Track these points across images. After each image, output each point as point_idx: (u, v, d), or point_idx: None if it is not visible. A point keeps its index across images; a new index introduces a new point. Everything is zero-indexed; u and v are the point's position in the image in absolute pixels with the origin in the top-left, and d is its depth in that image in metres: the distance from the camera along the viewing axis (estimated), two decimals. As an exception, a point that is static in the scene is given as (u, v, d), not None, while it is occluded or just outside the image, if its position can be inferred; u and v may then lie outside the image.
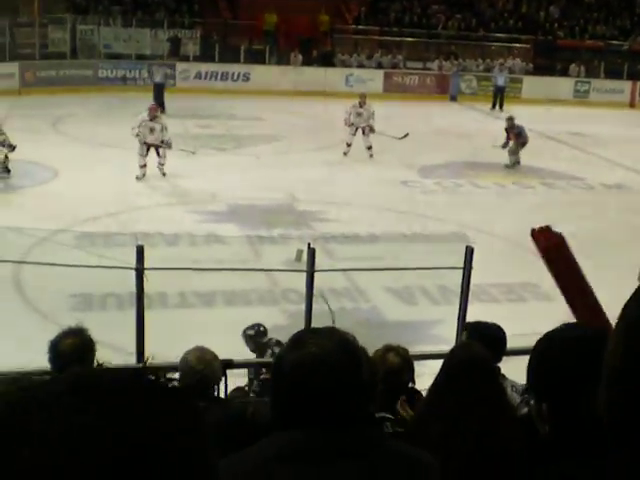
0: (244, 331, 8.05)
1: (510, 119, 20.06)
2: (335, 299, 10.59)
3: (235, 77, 29.77)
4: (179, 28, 30.86)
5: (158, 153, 16.90)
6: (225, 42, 31.10)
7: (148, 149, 16.85)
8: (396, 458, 1.77)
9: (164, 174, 17.00)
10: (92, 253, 11.46)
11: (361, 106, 19.50)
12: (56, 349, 3.87)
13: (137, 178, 16.72)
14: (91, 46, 29.24)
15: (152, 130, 16.76)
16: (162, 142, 16.84)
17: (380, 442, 1.82)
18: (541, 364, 1.73)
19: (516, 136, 19.64)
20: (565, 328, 1.86)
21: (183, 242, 13.10)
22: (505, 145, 20.07)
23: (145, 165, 16.83)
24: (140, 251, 6.47)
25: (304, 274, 7.47)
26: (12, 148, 16.10)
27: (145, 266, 6.72)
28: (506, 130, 19.98)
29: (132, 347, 7.29)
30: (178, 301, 10.87)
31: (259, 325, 8.15)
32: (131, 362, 6.97)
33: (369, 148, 19.32)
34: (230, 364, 4.84)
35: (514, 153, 19.72)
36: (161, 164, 16.98)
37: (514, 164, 19.71)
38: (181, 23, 31.34)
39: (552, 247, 3.68)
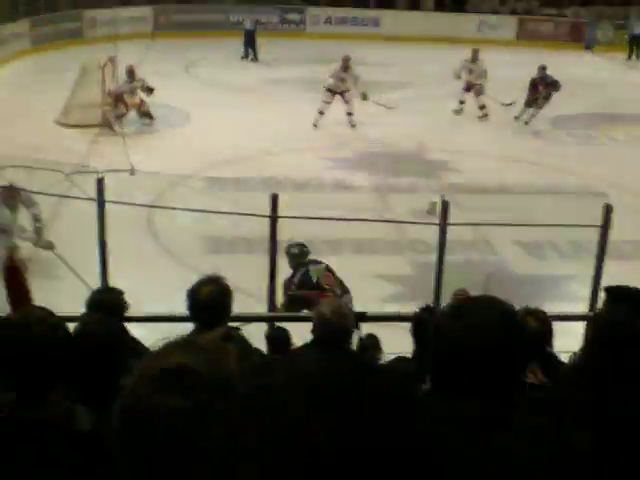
0: (288, 248, 8.30)
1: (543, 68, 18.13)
2: (461, 251, 10.50)
3: (365, 22, 29.52)
4: (310, -29, 30.73)
5: (346, 102, 16.93)
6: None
7: (333, 96, 16.90)
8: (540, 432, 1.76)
9: (353, 125, 17.00)
10: (222, 198, 11.68)
11: (473, 61, 18.65)
12: (195, 297, 3.94)
13: (314, 125, 16.83)
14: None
15: (343, 80, 16.83)
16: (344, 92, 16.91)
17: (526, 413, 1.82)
18: None
19: (546, 85, 17.82)
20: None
21: (311, 188, 13.19)
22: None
23: (323, 113, 16.85)
24: (274, 199, 6.55)
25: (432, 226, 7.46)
26: (150, 91, 16.39)
27: (279, 214, 6.80)
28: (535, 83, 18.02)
29: (261, 292, 7.43)
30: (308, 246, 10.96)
31: (303, 245, 8.53)
32: (261, 309, 7.12)
33: (481, 108, 18.35)
34: (363, 317, 4.82)
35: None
36: (349, 113, 16.96)
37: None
38: (313, -33, 31.20)
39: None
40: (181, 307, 4.15)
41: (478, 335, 1.68)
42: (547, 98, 17.82)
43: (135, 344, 4.27)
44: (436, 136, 16.35)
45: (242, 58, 24.32)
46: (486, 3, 31.61)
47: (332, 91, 16.82)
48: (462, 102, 18.56)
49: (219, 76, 21.49)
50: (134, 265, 9.11)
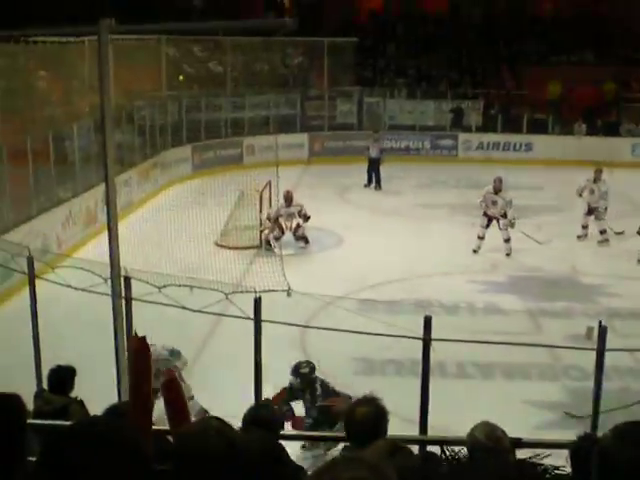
0: (297, 367, 8.92)
1: None
2: (617, 377, 10.21)
3: (517, 147, 29.65)
4: (462, 99, 31.25)
5: (502, 228, 16.85)
6: (507, 112, 31.11)
7: (489, 221, 16.98)
8: None
9: (508, 254, 16.78)
10: (374, 319, 11.78)
11: (595, 182, 17.93)
12: (350, 417, 3.99)
13: (474, 251, 16.89)
14: (377, 117, 30.29)
15: (494, 203, 16.85)
16: (503, 216, 16.81)
17: None
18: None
19: None
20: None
21: (463, 311, 13.17)
22: None
23: (483, 237, 16.92)
24: (428, 321, 6.58)
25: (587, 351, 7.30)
26: (307, 218, 16.98)
27: (432, 337, 6.82)
28: None
29: (412, 415, 7.40)
30: (456, 371, 10.89)
31: (310, 363, 9.06)
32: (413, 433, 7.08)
33: (602, 232, 17.63)
34: (519, 443, 4.67)
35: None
36: (506, 240, 16.78)
37: None
38: (464, 94, 31.74)
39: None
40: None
41: None
42: None
43: (289, 459, 4.34)
44: (590, 259, 16.09)
45: (365, 186, 24.14)
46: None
47: (487, 215, 16.83)
48: (584, 227, 18.04)
49: (371, 200, 21.94)
50: (285, 382, 9.26)
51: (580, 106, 31.49)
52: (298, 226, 17.06)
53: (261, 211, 17.01)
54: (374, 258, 15.87)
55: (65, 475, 1.70)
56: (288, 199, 17.00)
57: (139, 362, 4.24)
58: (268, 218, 16.94)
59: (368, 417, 3.92)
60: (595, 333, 7.53)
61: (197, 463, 2.15)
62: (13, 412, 2.44)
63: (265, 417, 4.56)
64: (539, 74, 31.23)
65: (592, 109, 31.58)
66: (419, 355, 7.21)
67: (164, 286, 8.18)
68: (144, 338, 3.59)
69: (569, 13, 35.52)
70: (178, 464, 2.19)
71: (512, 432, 6.27)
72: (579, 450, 4.33)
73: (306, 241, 17.03)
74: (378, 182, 23.74)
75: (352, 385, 9.51)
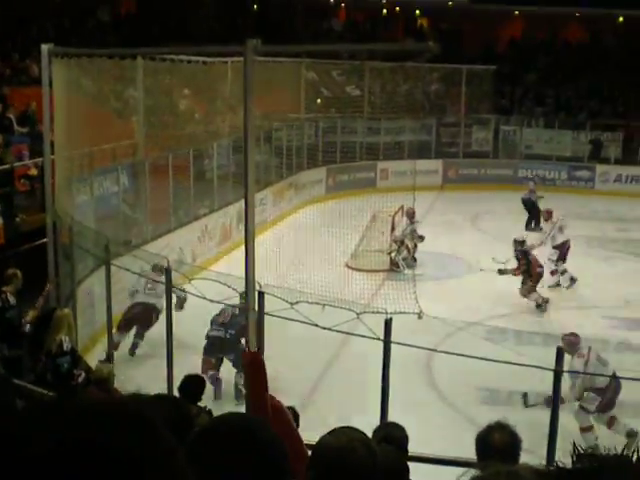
0: None
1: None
2: None
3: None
4: (601, 130, 30.61)
5: None
6: (648, 145, 30.31)
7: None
8: None
9: None
10: (505, 348, 11.65)
11: None
12: (487, 441, 3.99)
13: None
14: (513, 146, 30.01)
15: None
16: None
17: None
18: None
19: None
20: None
21: (595, 347, 12.86)
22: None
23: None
24: (560, 353, 6.55)
25: None
26: (421, 239, 17.01)
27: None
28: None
29: (534, 446, 7.30)
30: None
31: None
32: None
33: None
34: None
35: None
36: None
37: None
38: (603, 125, 31.08)
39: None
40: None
41: None
42: None
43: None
44: None
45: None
46: None
47: None
48: None
49: (504, 229, 21.68)
50: (409, 405, 9.29)
51: None
52: (415, 246, 17.17)
53: (392, 235, 17.14)
54: (503, 287, 15.69)
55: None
56: (411, 216, 17.13)
57: (254, 375, 4.35)
58: (395, 240, 17.04)
59: (505, 442, 3.89)
60: None
61: (344, 474, 2.14)
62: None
63: (397, 436, 4.62)
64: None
65: None
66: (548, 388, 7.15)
67: (297, 302, 8.35)
68: (257, 353, 3.66)
69: None
70: (321, 474, 2.18)
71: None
72: None
73: (414, 260, 17.11)
74: (535, 221, 22.98)
75: (477, 414, 9.45)
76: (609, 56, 33.97)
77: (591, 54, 34.25)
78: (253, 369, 4.42)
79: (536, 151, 29.87)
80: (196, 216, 17.75)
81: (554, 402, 6.79)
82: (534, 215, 22.45)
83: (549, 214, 17.23)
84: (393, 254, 17.10)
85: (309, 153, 25.08)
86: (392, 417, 7.08)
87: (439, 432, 9.20)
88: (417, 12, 37.00)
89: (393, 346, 7.82)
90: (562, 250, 16.51)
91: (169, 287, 10.06)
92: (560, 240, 16.52)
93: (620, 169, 28.99)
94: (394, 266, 16.84)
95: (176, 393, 7.32)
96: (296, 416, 5.60)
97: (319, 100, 27.73)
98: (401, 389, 8.70)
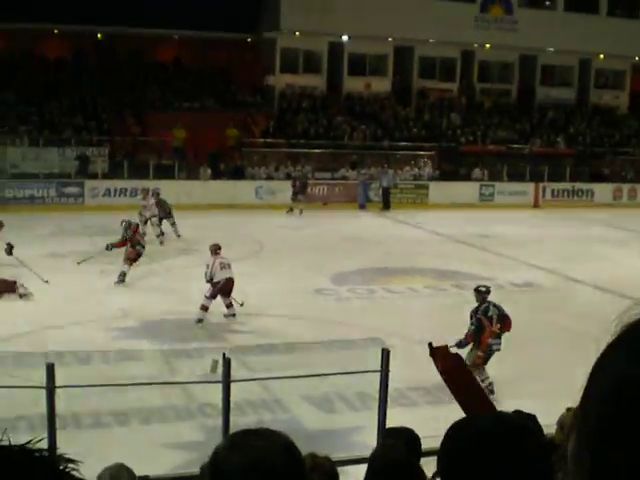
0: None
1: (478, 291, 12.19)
2: (252, 411, 10.49)
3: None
4: (87, 146, 30.86)
5: None
6: (134, 159, 31.20)
7: None
8: None
9: None
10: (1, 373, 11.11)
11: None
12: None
13: None
14: (-1, 165, 29.00)
15: None
16: None
17: None
18: (448, 456, 1.69)
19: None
20: (474, 418, 1.82)
21: (96, 360, 12.80)
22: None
23: None
24: (50, 369, 6.27)
25: (220, 386, 7.36)
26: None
27: (57, 384, 6.53)
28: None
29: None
30: (92, 421, 10.53)
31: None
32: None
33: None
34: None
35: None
36: None
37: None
38: (89, 141, 31.36)
39: (449, 369, 3.57)
40: None
41: (263, 466, 1.61)
42: None
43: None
44: (220, 299, 16.36)
45: None
46: (262, 170, 32.75)
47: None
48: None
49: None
50: None
51: (205, 151, 32.42)
52: None
53: None
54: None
55: None
56: None
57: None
58: None
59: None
60: (220, 366, 7.64)
61: None
62: None
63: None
64: (163, 120, 31.77)
65: (216, 154, 32.64)
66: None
67: None
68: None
69: (189, 62, 36.62)
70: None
71: (148, 472, 6.17)
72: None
73: None
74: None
75: None
76: (91, 72, 34.35)
77: (74, 70, 34.37)
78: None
79: (24, 169, 29.19)
80: None
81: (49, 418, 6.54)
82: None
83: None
84: None
85: None
86: None
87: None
88: None
89: None
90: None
91: None
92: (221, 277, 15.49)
93: (108, 183, 29.49)
94: None
95: None
96: None
97: None
98: None
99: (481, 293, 12.00)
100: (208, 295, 15.05)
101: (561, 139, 38.49)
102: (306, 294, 17.33)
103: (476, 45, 38.85)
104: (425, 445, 4.81)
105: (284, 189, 31.12)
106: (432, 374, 11.70)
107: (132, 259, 17.65)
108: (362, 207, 31.86)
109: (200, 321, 14.96)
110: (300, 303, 16.50)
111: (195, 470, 6.75)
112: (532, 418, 3.50)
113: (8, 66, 33.39)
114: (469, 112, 38.86)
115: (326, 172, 33.57)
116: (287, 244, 21.79)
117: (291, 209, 29.24)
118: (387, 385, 7.32)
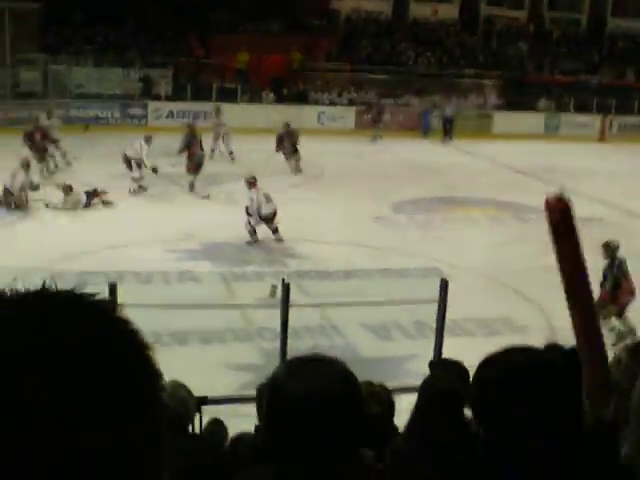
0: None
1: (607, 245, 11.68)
2: (309, 336, 10.58)
3: (207, 115, 29.71)
4: (151, 67, 30.87)
5: None
6: (197, 81, 31.16)
7: None
8: None
9: None
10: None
11: None
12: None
13: None
14: (63, 86, 29.17)
15: None
16: None
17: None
18: (478, 387, 1.70)
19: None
20: (505, 352, 1.82)
21: (157, 280, 13.01)
22: None
23: None
24: (113, 289, 6.33)
25: (278, 311, 7.43)
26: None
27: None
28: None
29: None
30: (152, 340, 10.69)
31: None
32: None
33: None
34: (205, 401, 4.76)
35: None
36: None
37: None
38: (153, 63, 31.35)
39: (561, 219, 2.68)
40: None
41: (322, 394, 1.63)
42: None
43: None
44: (282, 224, 16.34)
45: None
46: (325, 95, 32.50)
47: None
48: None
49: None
50: None
51: (268, 75, 32.24)
52: None
53: None
54: (64, 229, 15.28)
55: None
56: None
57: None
58: None
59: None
60: (278, 291, 7.70)
61: None
62: None
63: None
64: (227, 43, 31.57)
65: (279, 78, 32.43)
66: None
67: None
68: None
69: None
70: None
71: (206, 392, 6.29)
72: (260, 393, 4.34)
73: None
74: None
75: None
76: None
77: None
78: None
79: (87, 90, 29.36)
80: None
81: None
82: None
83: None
84: None
85: None
86: None
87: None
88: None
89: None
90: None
91: None
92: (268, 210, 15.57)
93: (171, 105, 29.55)
94: None
95: None
96: None
97: None
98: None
99: (612, 249, 11.51)
100: (253, 223, 15.16)
101: (631, 71, 37.47)
102: (366, 221, 17.32)
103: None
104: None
105: (346, 115, 30.88)
106: (489, 305, 11.73)
107: (194, 168, 18.79)
108: (425, 134, 31.51)
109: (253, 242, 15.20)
110: (359, 230, 16.50)
111: (252, 392, 6.89)
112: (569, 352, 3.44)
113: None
114: (536, 41, 37.92)
115: (389, 99, 33.18)
116: (348, 170, 21.66)
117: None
118: (444, 316, 7.32)
